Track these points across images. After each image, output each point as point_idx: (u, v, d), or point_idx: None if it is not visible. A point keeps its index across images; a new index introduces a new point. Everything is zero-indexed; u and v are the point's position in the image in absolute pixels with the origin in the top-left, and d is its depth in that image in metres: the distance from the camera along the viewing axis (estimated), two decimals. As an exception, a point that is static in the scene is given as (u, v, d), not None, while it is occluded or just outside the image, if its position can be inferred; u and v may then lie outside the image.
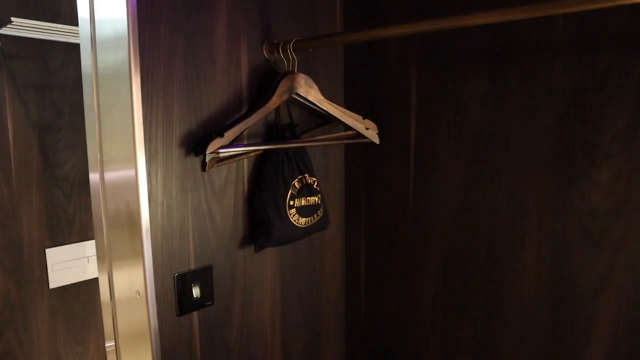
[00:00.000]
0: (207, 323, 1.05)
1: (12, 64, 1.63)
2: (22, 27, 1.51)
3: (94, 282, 1.84)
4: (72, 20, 1.75)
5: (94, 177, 1.05)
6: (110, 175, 0.99)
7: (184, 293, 1.00)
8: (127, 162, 0.93)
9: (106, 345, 1.11)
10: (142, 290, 0.94)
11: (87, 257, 1.83)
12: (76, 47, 1.78)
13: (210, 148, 0.94)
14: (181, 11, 0.96)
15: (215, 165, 1.00)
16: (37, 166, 1.69)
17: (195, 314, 1.02)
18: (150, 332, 0.95)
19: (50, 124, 1.71)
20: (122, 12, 0.89)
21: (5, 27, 1.46)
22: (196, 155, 0.99)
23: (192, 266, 1.01)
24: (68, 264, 1.78)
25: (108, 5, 0.93)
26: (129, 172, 0.92)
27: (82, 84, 1.80)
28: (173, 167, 0.97)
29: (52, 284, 1.73)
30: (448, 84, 1.09)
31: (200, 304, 1.02)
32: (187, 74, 0.97)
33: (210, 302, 1.04)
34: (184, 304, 1.00)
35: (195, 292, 1.01)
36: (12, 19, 1.43)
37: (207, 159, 0.97)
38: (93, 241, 1.83)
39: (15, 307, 1.65)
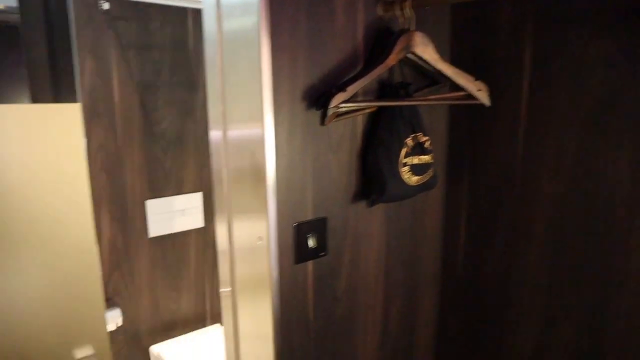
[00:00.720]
0: (320, 273, 1.10)
1: (118, 26, 1.71)
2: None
3: (187, 234, 1.95)
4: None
5: (215, 134, 1.10)
6: (234, 131, 1.04)
7: (301, 242, 1.05)
8: (251, 117, 0.97)
9: (221, 290, 1.19)
10: (264, 237, 1.00)
11: (182, 209, 1.94)
12: (174, 8, 1.85)
13: (334, 102, 0.96)
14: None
15: (334, 119, 1.03)
16: (139, 123, 1.79)
17: (310, 263, 1.08)
18: (271, 277, 1.01)
19: (150, 83, 1.80)
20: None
21: (114, -12, 1.54)
22: (317, 109, 1.02)
23: (310, 217, 1.06)
24: (164, 215, 1.90)
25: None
26: (254, 125, 0.97)
27: (179, 46, 1.87)
28: (297, 120, 1.00)
29: (151, 234, 1.86)
30: (567, 44, 1.05)
31: (315, 253, 1.07)
32: (309, 31, 0.99)
33: (323, 253, 1.09)
34: (301, 252, 1.05)
35: (311, 242, 1.06)
36: (122, -20, 1.50)
37: (329, 112, 0.99)
38: (188, 195, 1.93)
39: (121, 253, 1.79)
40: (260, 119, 0.95)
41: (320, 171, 1.05)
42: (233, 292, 1.15)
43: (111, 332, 1.78)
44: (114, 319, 1.67)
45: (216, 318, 2.11)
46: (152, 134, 1.83)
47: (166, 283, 1.93)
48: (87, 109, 1.66)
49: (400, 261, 1.26)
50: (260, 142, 0.96)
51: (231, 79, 1.04)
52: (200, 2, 1.56)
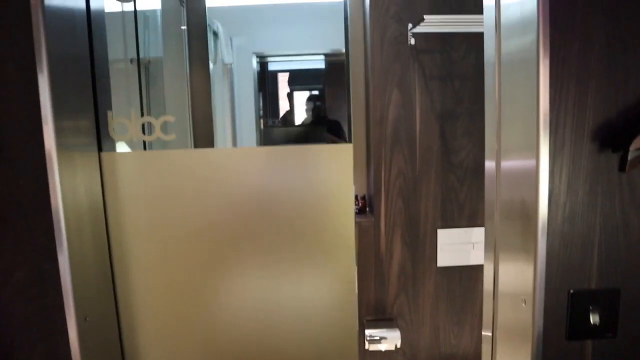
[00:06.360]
0: (603, 358, 0.85)
1: (421, 58, 1.79)
2: (433, 24, 1.62)
3: (476, 268, 1.86)
4: (477, 9, 1.77)
5: (489, 165, 1.00)
6: (507, 165, 0.93)
7: (578, 315, 0.84)
8: (527, 153, 0.83)
9: (483, 333, 1.07)
10: (529, 300, 0.85)
11: (473, 243, 1.86)
12: (478, 36, 1.79)
13: (637, 143, 0.73)
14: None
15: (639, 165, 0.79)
16: (437, 152, 1.81)
17: (589, 342, 0.85)
18: (534, 348, 0.84)
19: (450, 112, 1.80)
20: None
21: (418, 25, 1.61)
22: (613, 152, 0.80)
23: (593, 285, 0.84)
24: (455, 246, 1.86)
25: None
26: (529, 165, 0.83)
27: (481, 74, 1.81)
28: (582, 164, 0.81)
29: (440, 263, 1.85)
30: None
31: (597, 332, 0.84)
32: (608, 51, 0.79)
33: (611, 334, 0.84)
34: (577, 327, 0.84)
35: (594, 317, 0.83)
36: (425, 16, 1.55)
37: (630, 156, 0.76)
38: (480, 228, 1.84)
39: (408, 278, 1.85)
40: (533, 157, 0.81)
41: (613, 229, 0.82)
42: (493, 340, 1.02)
43: (388, 352, 1.86)
44: (393, 340, 1.73)
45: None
46: (449, 163, 1.82)
47: (449, 315, 1.88)
48: (390, 138, 1.79)
49: None
50: (532, 184, 0.82)
51: (506, 106, 0.93)
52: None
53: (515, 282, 0.90)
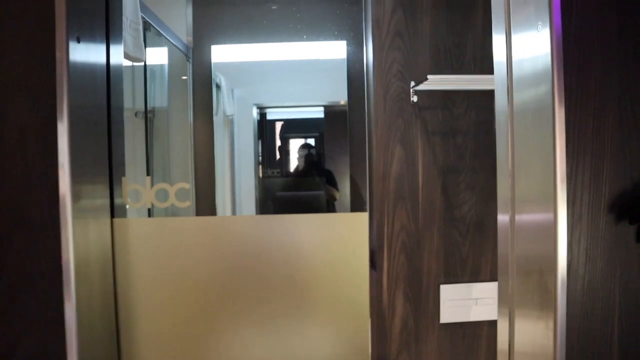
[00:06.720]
0: None
1: (424, 115, 1.83)
2: (435, 83, 1.67)
3: (479, 325, 1.83)
4: (477, 68, 1.84)
5: (502, 218, 1.00)
6: (522, 220, 0.93)
7: (602, 388, 0.83)
8: (543, 208, 0.84)
9: None
10: (550, 371, 0.83)
11: (475, 299, 1.84)
12: (478, 93, 1.85)
13: (655, 218, 0.75)
14: (613, 52, 0.81)
15: (656, 238, 0.80)
16: (440, 206, 1.82)
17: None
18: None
19: (453, 167, 1.83)
20: (544, 50, 0.82)
21: (421, 84, 1.65)
22: (631, 223, 0.81)
23: (614, 357, 0.83)
24: (457, 302, 1.84)
25: (527, 46, 0.88)
26: (545, 222, 0.83)
27: (482, 130, 1.85)
28: (599, 235, 0.82)
29: (442, 319, 1.82)
30: None
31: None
32: (621, 124, 0.81)
33: (637, 409, 0.83)
34: (602, 401, 0.83)
35: (618, 391, 0.82)
36: (428, 76, 1.60)
37: (647, 230, 0.77)
38: (482, 284, 1.83)
39: (411, 333, 1.82)
40: (549, 230, 0.81)
41: (634, 300, 0.82)
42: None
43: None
44: (397, 402, 1.68)
45: None
46: (452, 218, 1.83)
47: (454, 374, 1.84)
48: (393, 194, 1.80)
49: None
50: (549, 258, 0.82)
51: (521, 160, 0.94)
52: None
53: (533, 346, 0.88)
